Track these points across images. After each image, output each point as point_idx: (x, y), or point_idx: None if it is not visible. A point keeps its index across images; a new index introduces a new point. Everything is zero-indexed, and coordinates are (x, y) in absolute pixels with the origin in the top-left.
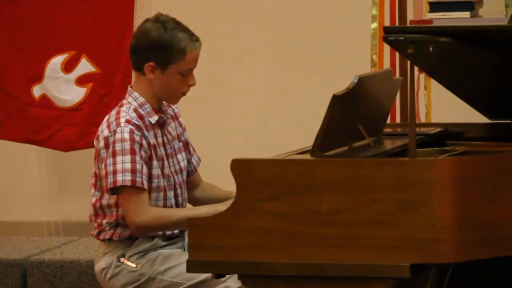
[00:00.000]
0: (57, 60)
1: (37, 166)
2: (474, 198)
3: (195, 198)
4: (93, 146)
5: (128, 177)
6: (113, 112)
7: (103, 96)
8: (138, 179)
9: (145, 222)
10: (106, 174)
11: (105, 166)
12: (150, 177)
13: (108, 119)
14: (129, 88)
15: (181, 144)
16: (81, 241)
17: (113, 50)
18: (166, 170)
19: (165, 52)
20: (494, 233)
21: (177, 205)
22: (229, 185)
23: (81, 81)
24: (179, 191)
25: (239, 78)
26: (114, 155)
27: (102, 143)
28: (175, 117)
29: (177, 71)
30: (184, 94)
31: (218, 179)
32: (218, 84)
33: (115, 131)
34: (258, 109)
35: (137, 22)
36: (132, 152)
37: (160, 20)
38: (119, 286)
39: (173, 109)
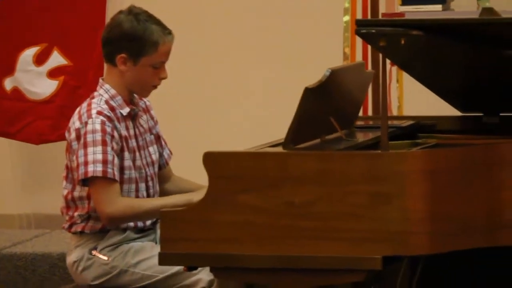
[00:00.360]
0: (29, 53)
1: (9, 159)
2: (446, 190)
3: (166, 191)
4: (65, 139)
5: (99, 167)
6: (84, 104)
7: (75, 88)
8: (110, 170)
9: (116, 212)
10: (78, 166)
11: (77, 157)
12: (121, 169)
13: (79, 111)
14: (100, 80)
15: (152, 137)
16: (52, 234)
17: (85, 43)
18: (138, 162)
19: (138, 44)
20: (466, 225)
21: (149, 197)
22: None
23: (52, 74)
24: (150, 183)
25: (214, 69)
26: (85, 146)
27: (73, 135)
28: (147, 110)
29: (149, 63)
30: (155, 87)
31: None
32: (197, 79)
33: (86, 123)
34: (231, 102)
35: (110, 15)
36: (104, 143)
37: (133, 12)
38: (90, 279)
39: (144, 102)
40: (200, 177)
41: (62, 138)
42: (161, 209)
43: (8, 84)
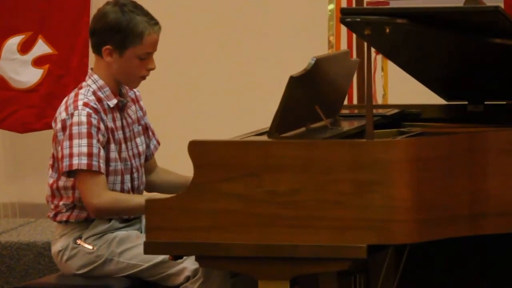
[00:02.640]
0: (14, 41)
1: None
2: (431, 179)
3: (149, 182)
4: (51, 127)
5: (84, 160)
6: (72, 95)
7: (60, 77)
8: (95, 163)
9: (103, 204)
10: (62, 157)
11: (62, 148)
12: (107, 161)
13: (66, 101)
14: (89, 71)
15: (140, 128)
16: (37, 222)
17: (70, 31)
18: (124, 154)
19: (122, 36)
20: (451, 213)
21: (133, 188)
22: None
23: (37, 62)
24: (135, 174)
25: (202, 60)
26: (70, 138)
27: (59, 125)
28: (136, 101)
29: (135, 54)
30: (143, 78)
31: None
32: (186, 70)
33: (72, 114)
34: (217, 91)
35: (94, 3)
36: (89, 135)
37: (119, 3)
38: (75, 268)
39: (134, 92)
40: (189, 168)
41: (47, 126)
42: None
43: None
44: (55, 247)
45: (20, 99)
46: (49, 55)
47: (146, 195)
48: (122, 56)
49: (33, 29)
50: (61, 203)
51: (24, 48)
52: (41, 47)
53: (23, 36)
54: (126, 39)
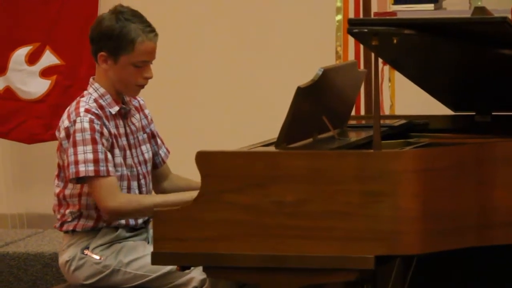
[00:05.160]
0: (21, 52)
1: (0, 159)
2: (438, 189)
3: (164, 189)
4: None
5: (91, 167)
6: (73, 103)
7: (67, 88)
8: (102, 168)
9: (118, 205)
10: (68, 164)
11: (67, 156)
12: (113, 166)
13: (68, 110)
14: (90, 80)
15: (145, 135)
16: (45, 233)
17: (77, 42)
18: (129, 161)
19: (114, 42)
20: (458, 224)
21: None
22: None
23: (45, 73)
24: (142, 181)
25: (210, 69)
26: (75, 145)
27: (63, 134)
28: (140, 109)
29: (128, 62)
30: (141, 86)
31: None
32: (192, 77)
33: (74, 121)
34: (225, 101)
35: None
36: (93, 141)
37: (117, 11)
38: (83, 278)
39: (138, 101)
40: (196, 177)
41: (55, 137)
42: (161, 205)
43: (0, 83)
44: (62, 258)
45: (28, 110)
46: (57, 66)
47: (160, 195)
48: (116, 63)
49: (40, 40)
50: (67, 211)
51: (32, 59)
52: (48, 58)
53: (30, 47)
54: (118, 46)
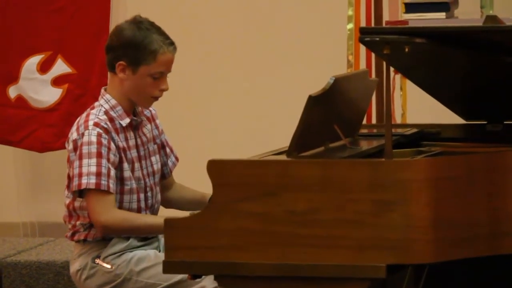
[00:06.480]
0: (33, 61)
1: (13, 167)
2: (450, 198)
3: (168, 199)
4: None
5: (93, 180)
6: (84, 115)
7: (79, 96)
8: (103, 182)
9: (111, 221)
10: (73, 176)
11: (72, 168)
12: (122, 180)
13: (78, 122)
14: (102, 90)
15: (156, 146)
16: (57, 242)
17: (89, 51)
18: (137, 173)
19: (136, 52)
20: (470, 233)
21: (147, 207)
22: None
23: (57, 82)
24: (149, 193)
25: (220, 77)
26: (80, 158)
27: (71, 146)
28: (152, 119)
29: (147, 73)
30: (156, 98)
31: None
32: (203, 86)
33: (83, 134)
34: (236, 110)
35: (113, 22)
36: (99, 155)
37: (136, 21)
38: (94, 287)
39: (150, 111)
40: (205, 185)
41: None
42: (150, 227)
43: (12, 92)
44: (74, 266)
45: (40, 119)
46: (68, 74)
47: (155, 216)
48: (135, 73)
49: (52, 49)
50: (78, 223)
51: (44, 67)
52: (60, 67)
53: (42, 55)
54: (140, 56)
